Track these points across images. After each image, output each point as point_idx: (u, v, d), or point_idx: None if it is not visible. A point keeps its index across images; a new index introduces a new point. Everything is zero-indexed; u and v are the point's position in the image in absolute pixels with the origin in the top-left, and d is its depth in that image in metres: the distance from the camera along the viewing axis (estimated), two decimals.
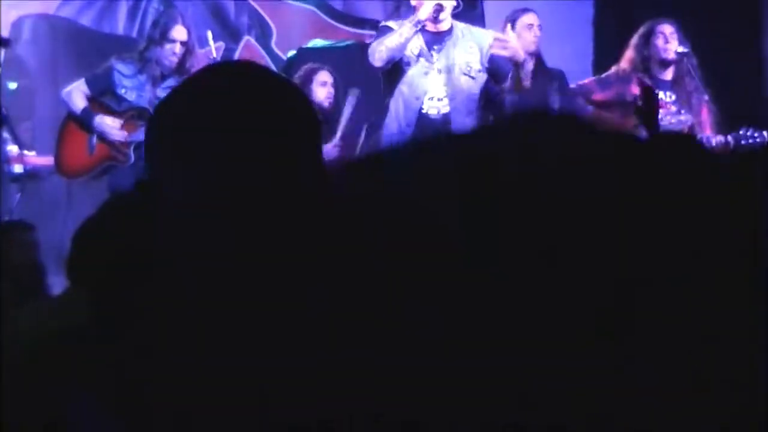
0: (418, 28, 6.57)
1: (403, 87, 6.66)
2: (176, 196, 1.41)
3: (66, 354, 1.47)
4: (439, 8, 6.57)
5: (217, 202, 1.39)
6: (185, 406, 1.36)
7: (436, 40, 6.68)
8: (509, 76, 6.62)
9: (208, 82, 1.47)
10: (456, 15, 7.25)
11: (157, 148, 1.45)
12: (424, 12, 6.56)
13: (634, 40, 7.16)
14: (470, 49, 6.70)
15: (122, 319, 1.58)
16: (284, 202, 1.41)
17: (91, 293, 3.25)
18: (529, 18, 7.33)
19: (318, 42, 8.94)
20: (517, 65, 6.50)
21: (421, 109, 6.62)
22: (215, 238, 1.39)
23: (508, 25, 6.97)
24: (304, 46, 8.94)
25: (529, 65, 7.21)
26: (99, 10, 8.71)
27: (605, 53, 8.94)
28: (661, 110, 6.80)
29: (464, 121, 6.61)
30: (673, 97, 6.94)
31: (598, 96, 7.28)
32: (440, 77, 6.64)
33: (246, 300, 1.39)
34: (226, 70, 1.55)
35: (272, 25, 9.06)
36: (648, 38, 7.05)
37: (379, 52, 6.58)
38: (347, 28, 9.11)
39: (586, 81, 7.44)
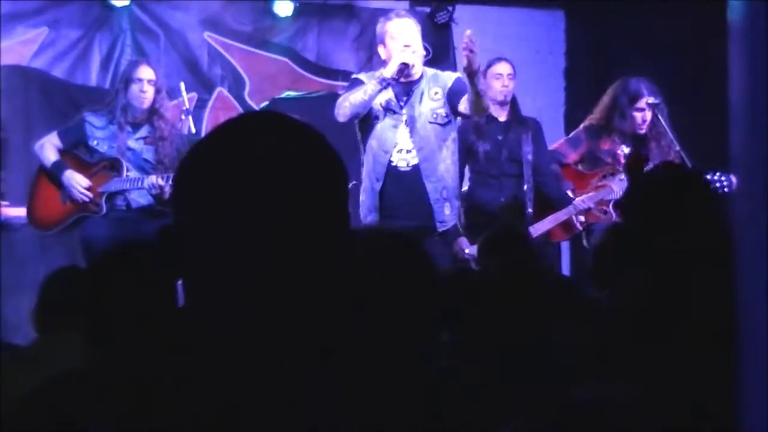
0: (382, 86, 6.49)
1: (372, 141, 6.60)
2: (205, 245, 1.41)
3: (53, 406, 1.46)
4: (404, 67, 6.47)
5: (246, 253, 1.39)
6: None
7: (404, 91, 6.62)
8: (465, 98, 6.48)
9: (241, 130, 1.48)
10: (429, 64, 7.24)
11: (187, 195, 1.45)
12: (389, 70, 6.48)
13: (607, 99, 7.14)
14: (435, 96, 6.62)
15: (114, 360, 1.59)
16: (313, 255, 1.42)
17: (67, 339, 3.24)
18: (498, 67, 7.30)
19: (291, 93, 8.98)
20: (472, 76, 6.25)
21: (391, 162, 6.57)
22: (243, 288, 1.40)
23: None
24: (277, 96, 8.98)
25: (503, 115, 7.24)
26: (72, 61, 8.72)
27: (577, 104, 9.01)
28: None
29: (435, 171, 6.57)
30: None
31: (572, 157, 7.29)
32: (407, 129, 6.58)
33: (266, 349, 1.41)
34: (258, 119, 1.55)
35: (245, 76, 9.09)
36: (622, 103, 7.02)
37: (344, 107, 6.51)
38: (320, 79, 9.14)
39: (556, 145, 7.43)
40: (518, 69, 7.49)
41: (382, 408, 1.45)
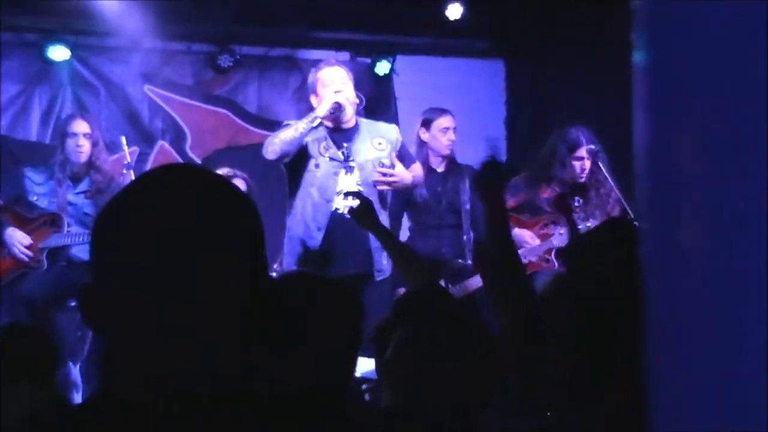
0: (314, 124, 6.45)
1: (311, 189, 6.53)
2: (121, 301, 1.41)
3: None
4: (336, 106, 6.47)
5: (161, 307, 1.39)
6: None
7: (344, 137, 6.60)
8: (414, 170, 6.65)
9: (155, 185, 1.47)
10: (370, 114, 7.25)
11: (102, 251, 1.45)
12: (322, 109, 6.46)
13: (547, 148, 7.11)
14: (379, 146, 6.64)
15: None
16: (231, 301, 1.41)
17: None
18: (445, 121, 7.32)
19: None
20: None
21: (336, 209, 6.51)
22: (162, 341, 1.39)
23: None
24: (219, 148, 8.97)
25: (441, 166, 7.25)
26: (12, 116, 8.67)
27: (518, 154, 9.06)
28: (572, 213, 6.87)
29: (379, 216, 6.55)
30: (581, 201, 6.98)
31: (510, 203, 7.27)
32: (352, 175, 6.55)
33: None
34: (174, 171, 1.55)
35: (186, 128, 9.07)
36: (561, 152, 6.99)
37: (273, 144, 6.44)
38: (261, 131, 9.12)
39: None
40: (459, 119, 7.51)
41: None
